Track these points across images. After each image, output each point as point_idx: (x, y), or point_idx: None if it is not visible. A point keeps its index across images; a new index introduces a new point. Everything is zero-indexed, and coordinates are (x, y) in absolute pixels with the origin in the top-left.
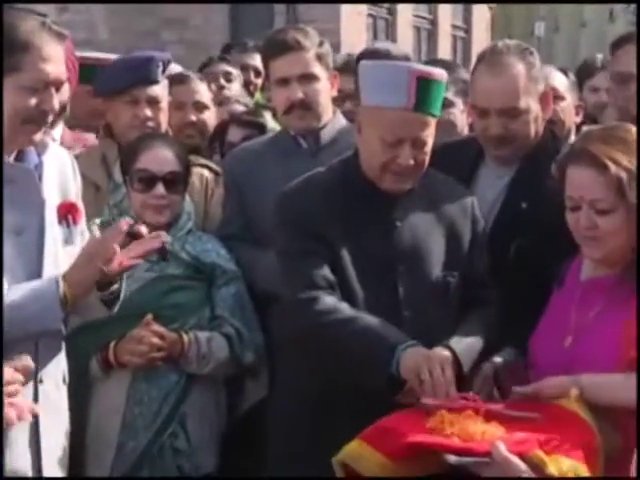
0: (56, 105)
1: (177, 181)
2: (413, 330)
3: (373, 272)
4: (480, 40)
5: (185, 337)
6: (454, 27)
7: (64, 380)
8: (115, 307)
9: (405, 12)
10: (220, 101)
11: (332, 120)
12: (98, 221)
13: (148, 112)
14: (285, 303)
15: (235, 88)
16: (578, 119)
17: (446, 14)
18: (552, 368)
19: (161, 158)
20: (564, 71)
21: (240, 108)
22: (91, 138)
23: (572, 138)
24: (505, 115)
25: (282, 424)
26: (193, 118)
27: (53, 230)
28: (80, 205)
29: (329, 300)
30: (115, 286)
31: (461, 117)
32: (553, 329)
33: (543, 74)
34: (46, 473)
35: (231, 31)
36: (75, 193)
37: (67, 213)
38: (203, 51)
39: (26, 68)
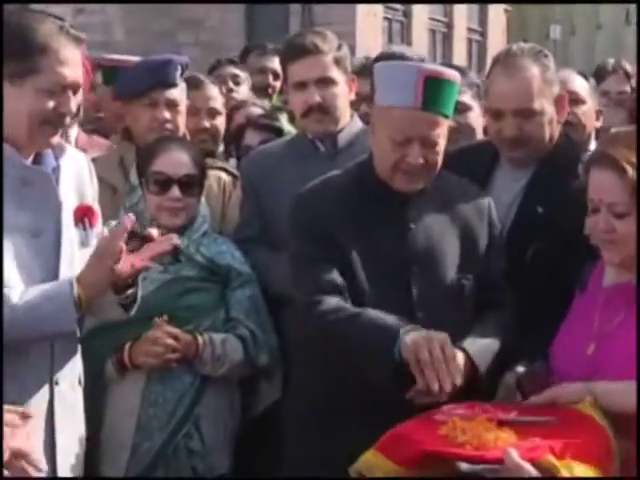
0: (73, 108)
1: (192, 184)
2: None
3: (387, 273)
4: (496, 43)
5: (200, 339)
6: (470, 30)
7: (79, 382)
8: (132, 310)
9: (421, 15)
10: (236, 105)
11: (349, 123)
12: (114, 223)
13: (167, 115)
14: (296, 306)
15: (243, 91)
16: (598, 124)
17: (462, 17)
18: (574, 375)
19: (177, 161)
20: (584, 75)
21: (257, 111)
22: (105, 142)
23: (592, 143)
24: (519, 116)
25: (296, 425)
26: (206, 124)
27: (69, 232)
28: (96, 208)
29: (332, 301)
30: (132, 289)
31: (478, 121)
32: (575, 335)
33: (561, 77)
34: (61, 473)
35: (247, 32)
36: (92, 196)
37: (83, 216)
38: (219, 52)
39: (44, 71)
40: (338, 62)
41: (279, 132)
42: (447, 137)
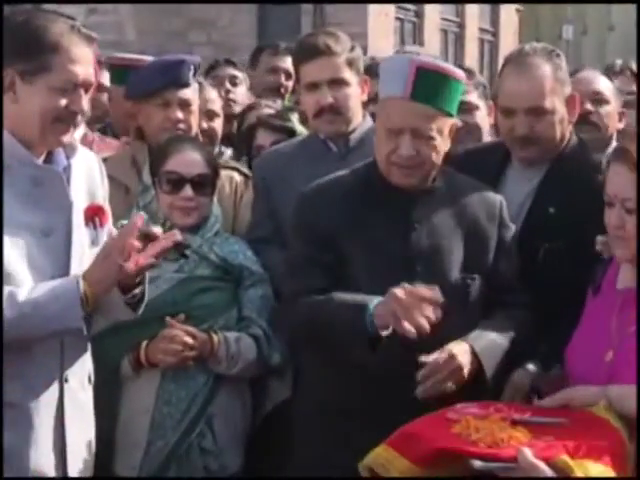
0: (85, 106)
1: (205, 183)
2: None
3: (390, 273)
4: (507, 43)
5: (215, 337)
6: (481, 30)
7: (89, 380)
8: (140, 309)
9: (432, 15)
10: (250, 106)
11: (362, 124)
12: (125, 222)
13: (179, 115)
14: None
15: (241, 92)
16: (621, 125)
17: (474, 17)
18: (591, 381)
19: (189, 160)
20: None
21: (269, 111)
22: (114, 143)
23: (613, 144)
24: (531, 114)
25: (305, 425)
26: (205, 126)
27: (80, 232)
28: (107, 208)
29: (305, 299)
30: (139, 288)
31: (485, 121)
32: (591, 340)
33: (585, 77)
34: (71, 472)
35: (259, 32)
36: (102, 196)
37: (94, 215)
38: (230, 52)
39: (56, 69)
40: (351, 63)
41: (291, 133)
42: (453, 137)
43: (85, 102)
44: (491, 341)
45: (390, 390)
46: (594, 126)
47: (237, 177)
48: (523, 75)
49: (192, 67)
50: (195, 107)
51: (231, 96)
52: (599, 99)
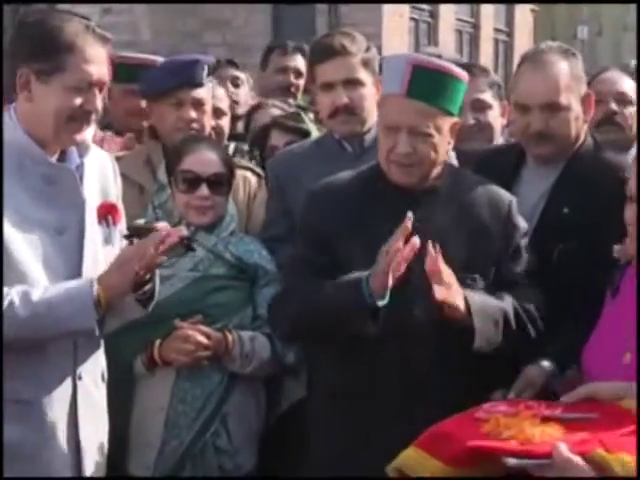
0: (99, 106)
1: (221, 183)
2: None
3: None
4: (522, 43)
5: (229, 336)
6: (496, 30)
7: (103, 378)
8: (150, 306)
9: (447, 15)
10: (256, 105)
11: (376, 123)
12: (142, 221)
13: (193, 114)
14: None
15: (242, 93)
16: None
17: (488, 17)
18: None
19: (205, 160)
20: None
21: (279, 112)
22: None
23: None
24: (546, 110)
25: (320, 424)
26: (212, 123)
27: (93, 230)
28: (120, 206)
29: (296, 292)
30: (149, 285)
31: (497, 121)
32: (609, 342)
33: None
34: (86, 469)
35: (273, 33)
36: (115, 194)
37: (107, 214)
38: (245, 53)
39: (70, 69)
40: (366, 63)
41: (305, 134)
42: (458, 135)
43: (99, 101)
44: (486, 298)
45: (397, 375)
46: (618, 127)
47: (251, 177)
48: (539, 71)
49: (206, 67)
50: (208, 107)
51: (233, 97)
52: (623, 100)
